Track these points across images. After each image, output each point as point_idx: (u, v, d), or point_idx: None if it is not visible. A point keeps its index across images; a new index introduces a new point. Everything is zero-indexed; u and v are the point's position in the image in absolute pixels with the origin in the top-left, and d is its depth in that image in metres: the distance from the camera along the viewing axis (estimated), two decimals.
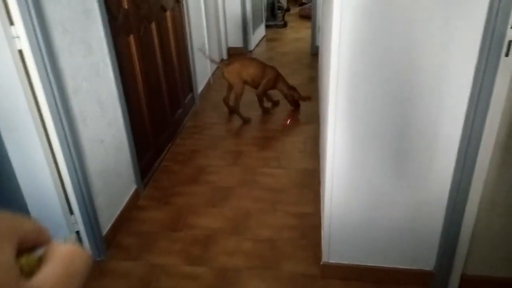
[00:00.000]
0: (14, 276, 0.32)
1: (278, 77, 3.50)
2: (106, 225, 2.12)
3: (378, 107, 1.48)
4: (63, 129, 1.75)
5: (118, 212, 2.24)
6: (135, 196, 2.45)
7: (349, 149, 1.58)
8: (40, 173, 1.80)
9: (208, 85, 4.32)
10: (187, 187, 2.62)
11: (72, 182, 1.86)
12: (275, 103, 3.79)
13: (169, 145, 3.12)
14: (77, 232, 1.99)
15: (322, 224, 1.98)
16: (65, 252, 0.37)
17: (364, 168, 1.60)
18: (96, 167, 2.02)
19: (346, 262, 1.82)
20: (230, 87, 3.54)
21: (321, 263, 1.86)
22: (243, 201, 2.45)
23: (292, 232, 2.17)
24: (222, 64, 3.63)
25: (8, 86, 1.62)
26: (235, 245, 2.10)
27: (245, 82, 3.45)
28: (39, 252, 0.36)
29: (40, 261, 0.35)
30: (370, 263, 1.80)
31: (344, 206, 1.69)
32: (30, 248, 0.36)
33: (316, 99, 3.86)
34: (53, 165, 1.81)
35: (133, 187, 2.45)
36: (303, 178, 2.66)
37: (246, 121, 3.48)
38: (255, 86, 3.49)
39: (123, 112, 2.29)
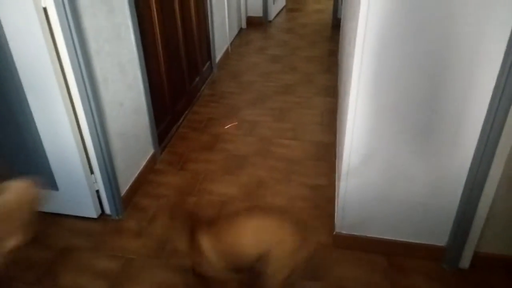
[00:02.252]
0: None
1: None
2: (124, 186, 2.17)
3: (403, 80, 1.45)
4: (86, 89, 1.77)
5: (136, 174, 2.29)
6: (152, 160, 2.49)
7: (370, 122, 1.56)
8: (63, 133, 1.83)
9: (227, 54, 4.28)
10: (203, 154, 2.65)
11: (93, 143, 1.90)
12: None
13: (186, 112, 3.13)
14: (97, 191, 2.04)
15: (336, 195, 1.99)
16: (17, 186, 0.50)
17: (384, 141, 1.59)
18: (116, 129, 2.05)
19: (359, 234, 1.85)
20: None
21: (334, 233, 1.88)
22: (257, 170, 2.47)
23: (306, 203, 2.19)
24: None
25: (33, 45, 1.63)
26: None
27: None
28: None
29: None
30: (383, 235, 1.82)
31: (361, 179, 1.70)
32: None
33: (335, 73, 3.80)
34: (75, 126, 1.85)
35: (151, 151, 2.49)
36: (318, 150, 2.66)
37: None
38: None
39: (142, 76, 2.29)
